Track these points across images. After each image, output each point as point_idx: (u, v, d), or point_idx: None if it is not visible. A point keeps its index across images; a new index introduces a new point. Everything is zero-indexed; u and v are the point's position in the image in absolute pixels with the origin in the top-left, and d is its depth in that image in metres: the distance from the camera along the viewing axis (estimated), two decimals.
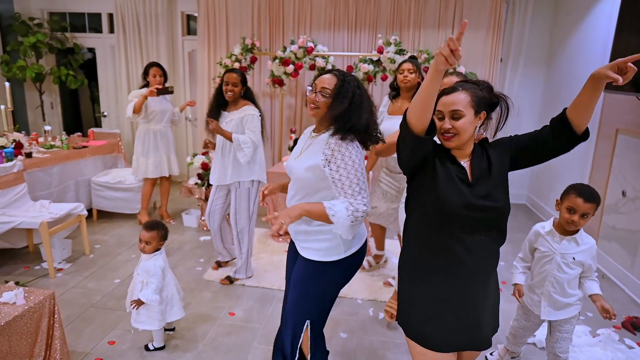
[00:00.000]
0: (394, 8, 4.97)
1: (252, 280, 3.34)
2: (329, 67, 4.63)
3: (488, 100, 1.49)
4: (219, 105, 3.06)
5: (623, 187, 3.46)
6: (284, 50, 4.55)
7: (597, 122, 3.94)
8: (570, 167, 4.45)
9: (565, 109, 1.45)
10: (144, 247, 2.39)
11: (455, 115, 1.43)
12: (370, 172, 3.59)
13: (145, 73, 4.15)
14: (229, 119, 3.02)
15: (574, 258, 2.03)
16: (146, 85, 4.16)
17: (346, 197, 1.67)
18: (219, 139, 3.09)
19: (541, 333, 2.58)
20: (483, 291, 1.52)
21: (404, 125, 1.41)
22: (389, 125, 2.92)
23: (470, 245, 1.45)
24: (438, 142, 1.53)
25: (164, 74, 4.17)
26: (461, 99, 1.43)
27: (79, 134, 5.09)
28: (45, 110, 6.12)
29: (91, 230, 4.25)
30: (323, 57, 4.61)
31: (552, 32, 5.11)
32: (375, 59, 4.53)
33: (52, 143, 4.49)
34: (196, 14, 5.36)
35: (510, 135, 1.57)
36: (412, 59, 3.08)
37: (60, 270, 3.43)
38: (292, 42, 4.58)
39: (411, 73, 2.95)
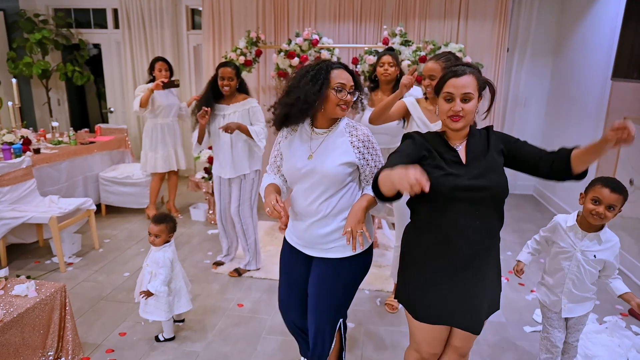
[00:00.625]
0: None
1: (260, 272, 3.37)
2: (334, 59, 4.61)
3: (484, 86, 1.56)
4: (210, 98, 3.05)
5: (631, 176, 3.43)
6: (289, 43, 4.54)
7: (605, 111, 3.91)
8: None
9: (571, 150, 1.48)
10: (154, 240, 2.42)
11: (466, 98, 1.48)
12: None
13: (151, 68, 4.18)
14: (230, 112, 3.06)
15: (594, 256, 1.90)
16: (152, 80, 4.17)
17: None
18: (224, 135, 3.07)
19: None
20: (476, 274, 1.55)
21: (377, 191, 1.44)
22: None
23: (462, 228, 1.50)
24: (426, 135, 1.60)
25: (170, 68, 4.20)
26: (470, 82, 1.49)
27: (86, 129, 5.13)
28: (52, 107, 6.17)
29: (100, 225, 4.29)
30: (328, 49, 4.59)
31: (560, 22, 5.05)
32: (380, 50, 4.51)
33: (60, 139, 4.53)
34: (200, 8, 5.36)
35: (519, 138, 1.61)
36: (391, 51, 3.11)
37: (70, 265, 3.48)
38: (297, 35, 4.56)
39: (391, 66, 2.97)
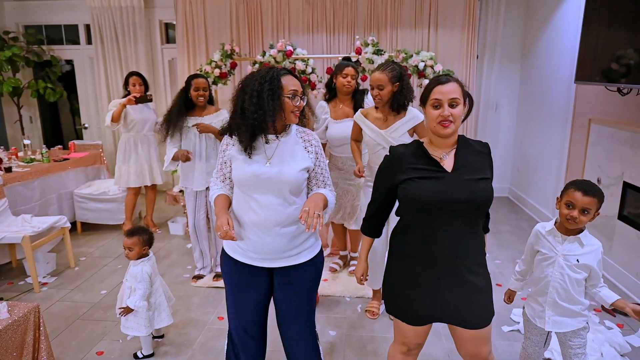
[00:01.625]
0: (370, 9, 5.03)
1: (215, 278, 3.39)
2: (309, 70, 4.67)
3: (467, 94, 1.61)
4: (183, 110, 3.10)
5: (598, 175, 3.56)
6: (264, 55, 4.58)
7: (571, 113, 4.05)
8: (549, 157, 4.56)
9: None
10: (128, 254, 2.40)
11: (453, 103, 1.54)
12: None
13: (126, 82, 4.17)
14: (205, 123, 3.12)
15: (577, 260, 1.82)
16: (128, 94, 4.16)
17: (327, 187, 1.83)
18: (198, 147, 3.12)
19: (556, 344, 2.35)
20: (462, 278, 1.58)
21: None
22: (337, 129, 3.15)
23: (444, 234, 1.55)
24: (398, 152, 1.65)
25: (145, 83, 4.19)
26: (456, 88, 1.55)
27: (59, 146, 5.04)
28: (25, 125, 6.05)
29: (76, 243, 4.21)
30: (303, 60, 4.65)
31: (525, 29, 5.23)
32: (354, 59, 4.58)
33: (32, 157, 4.44)
34: (174, 22, 5.37)
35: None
36: (352, 62, 3.23)
37: (45, 285, 3.40)
38: (271, 46, 4.61)
39: (353, 79, 3.07)
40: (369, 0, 5.01)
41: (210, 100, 3.24)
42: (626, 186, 3.21)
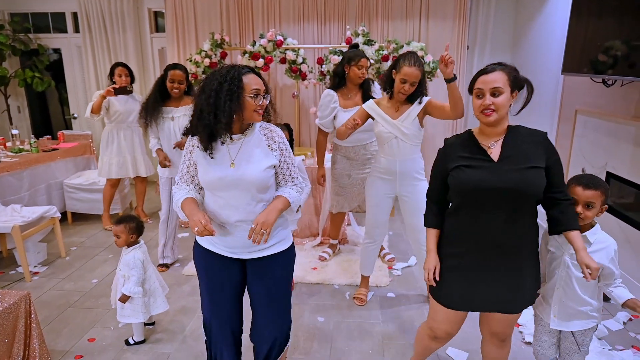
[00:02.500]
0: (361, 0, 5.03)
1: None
2: (300, 59, 4.67)
3: (520, 82, 1.62)
4: (158, 99, 3.12)
5: (583, 165, 3.62)
6: (254, 45, 4.57)
7: (558, 104, 4.11)
8: None
9: (565, 228, 1.65)
10: (116, 241, 2.44)
11: (496, 92, 1.56)
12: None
13: (112, 73, 4.11)
14: (179, 114, 3.15)
15: None
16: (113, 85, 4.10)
17: (292, 182, 1.83)
18: (174, 137, 3.16)
19: None
20: (508, 264, 1.62)
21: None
22: (346, 118, 3.01)
23: (487, 222, 1.59)
24: (450, 142, 1.73)
25: (130, 74, 4.14)
26: (499, 77, 1.57)
27: (48, 136, 5.01)
28: (13, 115, 5.98)
29: (67, 233, 4.21)
30: (293, 50, 4.65)
31: (516, 20, 5.26)
32: (345, 50, 4.59)
33: (21, 147, 4.41)
34: (164, 11, 5.32)
35: (561, 167, 1.66)
36: (360, 50, 3.20)
37: (36, 274, 3.41)
38: (262, 36, 4.60)
39: (367, 70, 3.06)
40: None
41: (189, 91, 3.23)
42: (609, 176, 3.28)
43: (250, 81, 1.66)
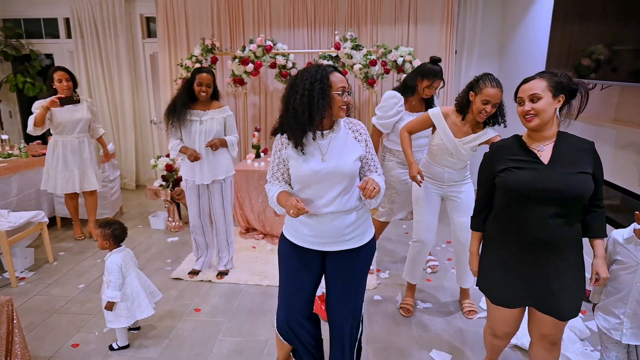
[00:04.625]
0: (351, 5, 5.07)
1: (219, 276, 3.40)
2: (290, 64, 4.70)
3: (567, 86, 1.68)
4: (185, 102, 3.09)
5: None
6: (243, 50, 4.60)
7: None
8: None
9: (593, 235, 1.75)
10: (97, 243, 2.51)
11: (534, 99, 1.66)
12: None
13: (50, 78, 3.74)
14: (207, 117, 3.12)
15: None
16: (54, 92, 3.77)
17: (377, 172, 1.91)
18: (200, 141, 3.11)
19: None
20: (554, 263, 1.68)
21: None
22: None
23: (535, 222, 1.65)
24: (498, 145, 1.83)
25: (72, 79, 3.81)
26: (537, 84, 1.66)
27: (38, 141, 5.02)
28: (4, 119, 5.99)
29: (55, 238, 4.21)
30: (283, 54, 4.68)
31: (503, 24, 5.31)
32: (334, 55, 4.63)
33: (10, 152, 4.42)
34: (155, 16, 5.35)
35: (602, 177, 1.73)
36: (438, 65, 3.04)
37: (22, 279, 3.40)
38: (251, 41, 4.63)
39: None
40: None
41: (215, 95, 3.20)
42: None
43: (337, 79, 1.76)
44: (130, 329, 2.67)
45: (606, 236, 1.75)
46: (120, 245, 2.51)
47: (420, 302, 3.03)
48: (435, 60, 3.03)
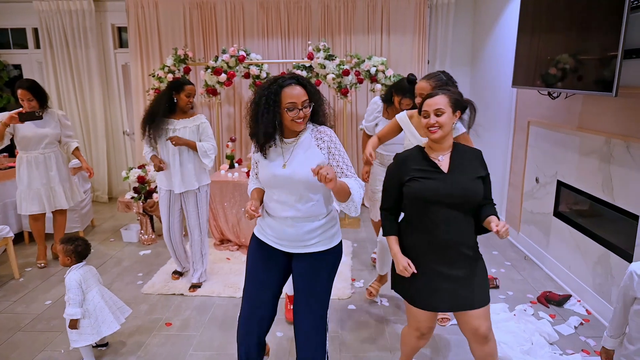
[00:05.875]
0: (324, 15, 5.12)
1: (191, 289, 3.34)
2: (264, 74, 4.71)
3: (460, 103, 1.89)
4: (166, 113, 3.09)
5: (536, 174, 3.75)
6: (216, 60, 4.59)
7: (513, 116, 4.24)
8: (495, 159, 4.75)
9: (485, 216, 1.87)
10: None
11: (438, 113, 1.83)
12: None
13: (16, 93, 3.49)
14: (180, 126, 3.12)
15: None
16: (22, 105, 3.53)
17: (348, 176, 1.87)
18: (173, 149, 3.11)
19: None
20: (461, 259, 1.85)
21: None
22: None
23: (441, 226, 1.81)
24: (403, 156, 1.94)
25: (37, 96, 3.50)
26: (441, 100, 1.84)
27: (4, 154, 4.88)
28: None
29: (22, 254, 4.08)
30: (257, 65, 4.69)
31: (474, 34, 5.44)
32: (307, 65, 4.66)
33: None
34: (127, 26, 5.29)
35: (489, 179, 1.93)
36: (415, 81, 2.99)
37: None
38: (224, 51, 4.62)
39: (409, 107, 2.94)
40: (322, 6, 5.10)
41: (193, 105, 3.26)
42: (560, 184, 3.40)
43: (288, 95, 1.78)
44: (97, 345, 2.59)
45: (496, 214, 1.86)
46: (83, 262, 2.46)
47: (392, 315, 3.03)
48: (410, 80, 3.06)
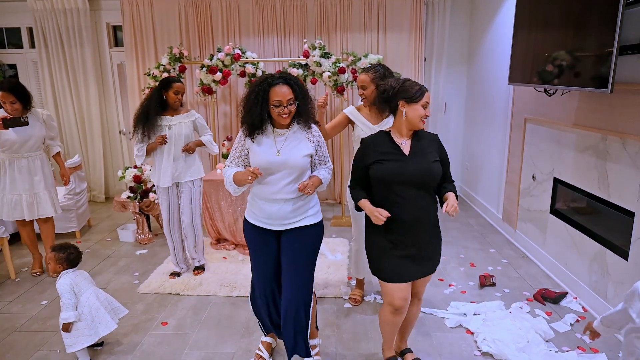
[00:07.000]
0: (320, 13, 5.11)
1: (187, 289, 3.33)
2: (259, 73, 4.69)
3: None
4: (158, 110, 3.21)
5: (533, 172, 3.74)
6: (211, 58, 4.57)
7: (509, 113, 4.24)
8: (492, 156, 4.75)
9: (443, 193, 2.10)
10: (47, 267, 2.43)
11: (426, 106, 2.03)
12: None
13: None
14: (175, 122, 3.25)
15: None
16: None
17: (325, 164, 2.27)
18: (167, 145, 3.23)
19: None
20: (425, 233, 2.07)
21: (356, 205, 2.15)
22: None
23: (405, 204, 1.99)
24: (369, 140, 2.12)
25: (21, 98, 3.28)
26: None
27: None
28: None
29: (19, 254, 4.07)
30: (252, 63, 4.67)
31: (470, 32, 5.44)
32: (303, 63, 4.64)
33: None
34: (122, 25, 5.26)
35: (448, 159, 2.14)
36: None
37: None
38: (219, 50, 4.60)
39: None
40: (318, 4, 5.08)
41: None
42: (556, 182, 3.40)
43: (275, 93, 2.02)
44: (92, 345, 2.58)
45: (455, 192, 2.08)
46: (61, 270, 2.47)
47: None
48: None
